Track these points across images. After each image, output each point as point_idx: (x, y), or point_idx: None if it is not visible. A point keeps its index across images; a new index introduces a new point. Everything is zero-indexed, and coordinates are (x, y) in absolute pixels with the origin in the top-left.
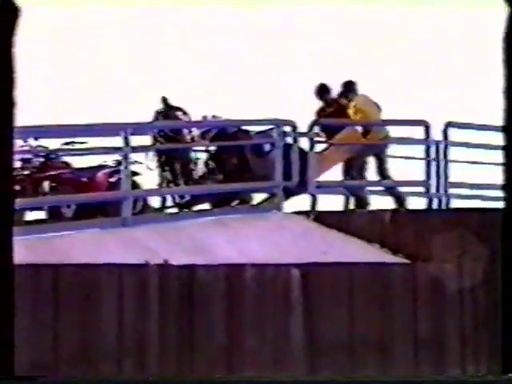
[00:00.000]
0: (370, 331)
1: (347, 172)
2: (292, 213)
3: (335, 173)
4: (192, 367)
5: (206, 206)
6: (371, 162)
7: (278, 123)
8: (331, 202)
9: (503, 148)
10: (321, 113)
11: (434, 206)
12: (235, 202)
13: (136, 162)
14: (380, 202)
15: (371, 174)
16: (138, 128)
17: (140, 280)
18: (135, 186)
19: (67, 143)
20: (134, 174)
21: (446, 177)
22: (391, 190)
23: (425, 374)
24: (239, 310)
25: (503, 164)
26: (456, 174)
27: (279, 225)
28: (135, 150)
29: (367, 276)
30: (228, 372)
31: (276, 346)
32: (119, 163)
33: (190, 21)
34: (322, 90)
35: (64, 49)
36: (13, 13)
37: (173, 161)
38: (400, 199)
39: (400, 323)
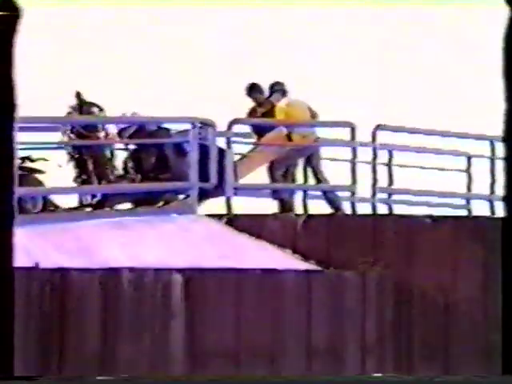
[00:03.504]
0: (258, 340)
1: (271, 175)
2: (204, 215)
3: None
4: (61, 377)
5: (124, 206)
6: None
7: (195, 121)
8: (265, 206)
9: (504, 159)
10: (252, 113)
11: (361, 211)
12: (160, 203)
13: (38, 159)
14: (317, 207)
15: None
16: (34, 123)
17: None
18: (36, 183)
19: None
20: (35, 171)
21: (375, 181)
22: (325, 194)
23: None
24: (114, 316)
25: (504, 173)
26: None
27: (184, 228)
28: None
29: (257, 283)
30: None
31: (154, 355)
32: (22, 160)
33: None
34: (252, 90)
35: (63, 49)
36: (13, 12)
37: (85, 158)
38: (334, 203)
39: (292, 332)
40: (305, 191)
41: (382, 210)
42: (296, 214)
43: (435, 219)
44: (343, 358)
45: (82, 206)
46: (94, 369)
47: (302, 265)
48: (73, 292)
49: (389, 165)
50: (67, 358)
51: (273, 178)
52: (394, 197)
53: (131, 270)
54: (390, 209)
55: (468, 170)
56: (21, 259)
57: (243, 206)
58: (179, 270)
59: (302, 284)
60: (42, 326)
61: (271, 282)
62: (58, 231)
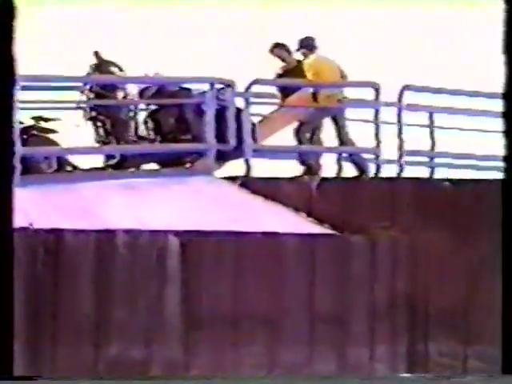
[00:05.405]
0: (257, 305)
1: (298, 137)
2: (219, 178)
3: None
4: (55, 341)
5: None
6: (328, 126)
7: (213, 82)
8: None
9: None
10: (280, 72)
11: (385, 174)
12: (186, 165)
13: (52, 119)
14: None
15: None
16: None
17: None
18: (49, 143)
19: None
20: (48, 131)
21: (401, 143)
22: (351, 157)
23: (324, 353)
24: (109, 279)
25: (503, 133)
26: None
27: (195, 190)
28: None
29: (257, 246)
30: (95, 345)
31: (148, 318)
32: (35, 119)
33: None
34: (275, 48)
35: (64, 49)
36: (11, 12)
37: (103, 119)
38: (360, 166)
39: (294, 298)
40: (339, 154)
41: (411, 172)
42: (311, 178)
43: (454, 183)
44: (349, 326)
45: (102, 167)
46: (87, 332)
47: (316, 229)
48: (67, 254)
49: (430, 126)
50: (61, 321)
51: (300, 141)
52: (420, 159)
53: (126, 231)
54: (432, 172)
55: None
56: (18, 220)
57: (265, 167)
58: (176, 233)
59: (304, 248)
60: (35, 287)
61: (272, 245)
62: (60, 192)
